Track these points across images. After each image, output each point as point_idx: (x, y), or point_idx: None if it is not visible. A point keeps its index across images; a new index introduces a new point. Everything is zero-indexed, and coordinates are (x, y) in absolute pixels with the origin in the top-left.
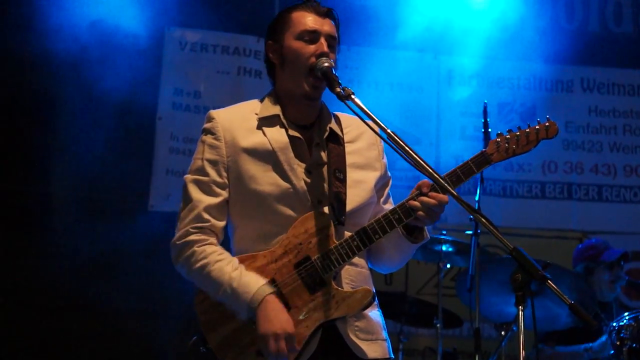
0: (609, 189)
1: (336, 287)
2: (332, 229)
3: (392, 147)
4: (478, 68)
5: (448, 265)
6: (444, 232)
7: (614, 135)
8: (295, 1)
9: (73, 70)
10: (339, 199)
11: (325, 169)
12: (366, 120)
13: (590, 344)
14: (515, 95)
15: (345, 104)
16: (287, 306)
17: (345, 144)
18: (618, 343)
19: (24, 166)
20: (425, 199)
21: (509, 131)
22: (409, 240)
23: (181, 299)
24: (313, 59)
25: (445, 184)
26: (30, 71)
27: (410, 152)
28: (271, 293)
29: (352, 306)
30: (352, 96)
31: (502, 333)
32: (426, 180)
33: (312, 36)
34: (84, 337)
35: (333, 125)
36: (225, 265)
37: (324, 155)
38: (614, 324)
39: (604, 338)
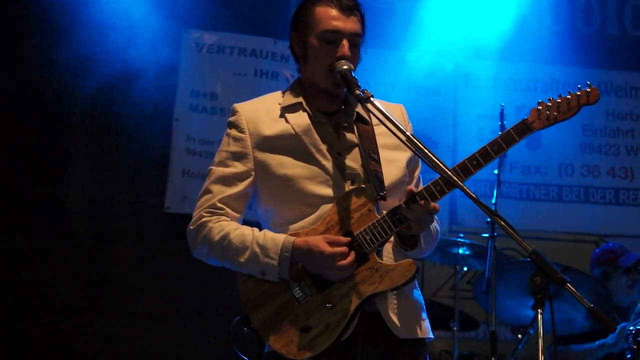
0: (626, 192)
1: (379, 260)
2: (374, 204)
3: (411, 149)
4: (495, 71)
5: (465, 268)
6: (461, 235)
7: (631, 139)
8: None
9: (89, 71)
10: (377, 178)
11: (356, 150)
12: (385, 123)
13: (603, 340)
14: (532, 98)
15: (364, 106)
16: (331, 281)
17: (374, 126)
18: (635, 347)
19: (40, 169)
20: (413, 205)
21: (550, 99)
22: (404, 249)
23: (198, 301)
24: (333, 61)
25: (462, 184)
26: (46, 74)
27: (429, 154)
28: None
29: (395, 279)
30: (372, 98)
31: (519, 336)
32: (410, 187)
33: (334, 36)
34: (100, 340)
35: (359, 109)
36: (245, 230)
37: (353, 137)
38: (631, 328)
39: (616, 332)
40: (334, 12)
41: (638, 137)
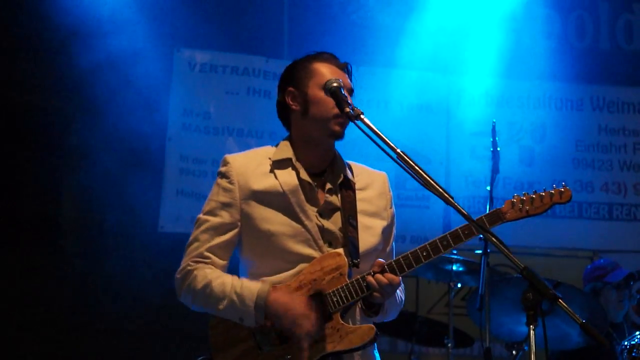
0: (619, 208)
1: (342, 322)
2: (346, 269)
3: (402, 167)
4: (487, 87)
5: (459, 285)
6: (455, 252)
7: (624, 154)
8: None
9: (82, 90)
10: (353, 245)
11: (338, 214)
12: (376, 141)
13: None
14: (525, 114)
15: (355, 123)
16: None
17: (356, 191)
18: None
19: (34, 188)
20: (379, 276)
21: (525, 194)
22: (367, 315)
23: (191, 320)
24: (336, 110)
25: (453, 202)
26: (39, 92)
27: (420, 171)
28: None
29: (353, 341)
30: (362, 116)
31: (513, 352)
32: (380, 260)
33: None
34: (93, 358)
35: (347, 172)
36: (227, 278)
37: (336, 200)
38: (625, 343)
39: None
40: (333, 68)
41: (631, 152)
